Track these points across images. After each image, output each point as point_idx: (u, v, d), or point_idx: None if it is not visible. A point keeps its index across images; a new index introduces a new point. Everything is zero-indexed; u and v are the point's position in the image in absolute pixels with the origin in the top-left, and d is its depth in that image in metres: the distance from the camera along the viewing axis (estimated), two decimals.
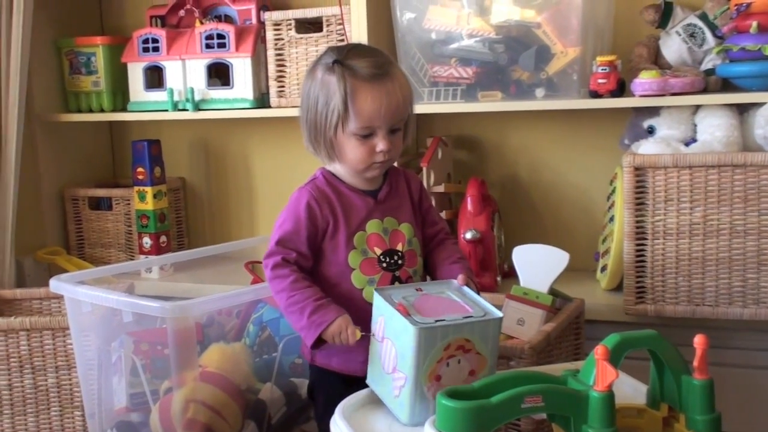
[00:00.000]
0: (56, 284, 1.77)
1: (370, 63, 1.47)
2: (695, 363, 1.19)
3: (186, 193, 2.77)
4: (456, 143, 2.41)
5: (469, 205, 2.18)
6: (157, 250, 2.53)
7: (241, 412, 1.67)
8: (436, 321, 1.28)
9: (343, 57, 1.48)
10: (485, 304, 1.36)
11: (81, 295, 1.71)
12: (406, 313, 1.29)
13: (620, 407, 1.20)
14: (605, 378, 1.15)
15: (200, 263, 2.34)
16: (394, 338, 1.30)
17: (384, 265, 1.49)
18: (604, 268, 2.14)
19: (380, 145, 1.46)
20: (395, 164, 1.60)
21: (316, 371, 1.55)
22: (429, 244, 1.59)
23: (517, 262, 1.89)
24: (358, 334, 1.38)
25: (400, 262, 1.51)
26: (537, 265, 1.87)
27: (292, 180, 2.60)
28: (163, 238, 2.55)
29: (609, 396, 1.16)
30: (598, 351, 1.15)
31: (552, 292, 1.85)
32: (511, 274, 2.26)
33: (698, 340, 1.19)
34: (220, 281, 2.34)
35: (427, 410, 1.28)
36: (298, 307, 1.42)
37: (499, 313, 1.33)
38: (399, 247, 1.51)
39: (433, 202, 1.91)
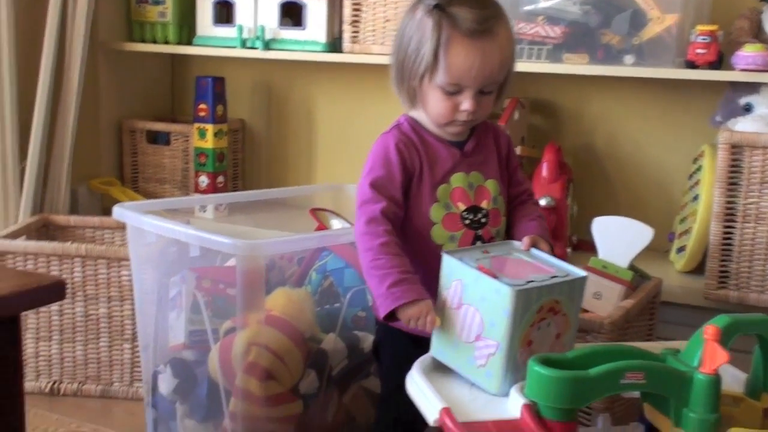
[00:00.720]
0: (120, 212, 1.70)
1: (474, 16, 1.36)
2: None
3: (245, 134, 2.71)
4: (533, 106, 2.31)
5: (545, 170, 2.09)
6: (213, 189, 2.46)
7: (303, 360, 1.60)
8: (528, 282, 1.19)
9: (447, 2, 1.39)
10: (562, 264, 1.27)
11: (146, 225, 1.65)
12: (493, 275, 1.20)
13: None
14: (714, 360, 1.06)
15: (255, 207, 2.27)
16: (479, 303, 1.20)
17: (467, 222, 1.40)
18: (681, 249, 2.05)
19: (465, 104, 1.35)
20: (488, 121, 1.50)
21: (383, 329, 1.47)
22: (511, 203, 1.50)
23: (597, 233, 1.80)
24: (438, 322, 1.26)
25: (483, 220, 1.41)
26: (618, 238, 1.79)
27: (355, 130, 2.57)
28: (220, 178, 2.48)
29: (716, 380, 1.08)
30: (709, 331, 1.06)
31: (632, 267, 1.77)
32: (580, 247, 2.19)
33: None
34: (276, 226, 2.27)
35: (518, 378, 1.19)
36: (381, 273, 1.31)
37: (582, 272, 1.25)
38: (484, 204, 1.41)
39: None
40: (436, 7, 1.36)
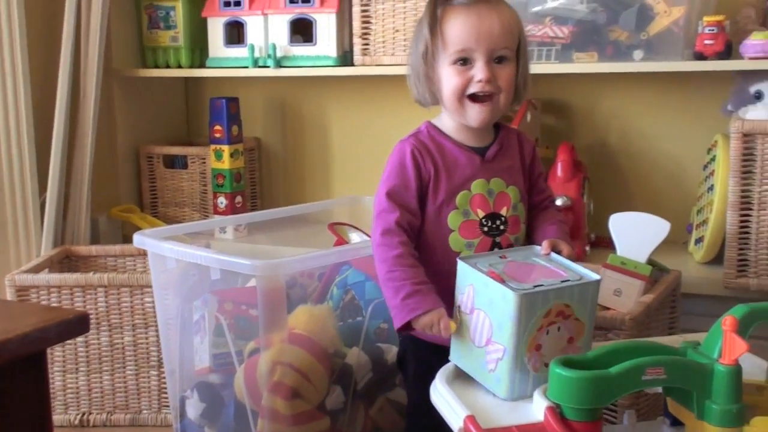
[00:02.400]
0: (141, 239, 1.73)
1: None
2: None
3: (261, 153, 2.73)
4: (544, 107, 2.31)
5: (560, 170, 2.09)
6: (232, 210, 2.49)
7: (328, 376, 1.62)
8: (535, 286, 1.20)
9: None
10: (578, 268, 1.27)
11: (166, 251, 1.67)
12: (500, 280, 1.21)
13: None
14: (733, 350, 1.06)
15: (274, 224, 2.29)
16: (488, 308, 1.21)
17: (485, 229, 1.40)
18: (699, 240, 2.05)
19: (478, 74, 1.34)
20: (510, 125, 1.50)
21: (406, 339, 1.47)
22: (533, 210, 1.50)
23: (614, 230, 1.80)
24: (453, 326, 1.27)
25: (502, 227, 1.40)
26: (635, 233, 1.78)
27: (370, 142, 2.59)
28: (238, 198, 2.51)
29: (736, 370, 1.08)
30: (726, 322, 1.06)
31: (650, 262, 1.77)
32: (598, 244, 2.19)
33: None
34: (296, 243, 2.29)
35: (527, 383, 1.20)
36: (395, 285, 1.32)
37: (596, 276, 1.24)
38: (503, 212, 1.41)
39: None
40: None
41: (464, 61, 1.35)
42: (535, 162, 1.49)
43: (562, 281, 1.22)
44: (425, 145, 1.41)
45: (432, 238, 1.40)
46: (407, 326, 1.31)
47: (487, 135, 1.44)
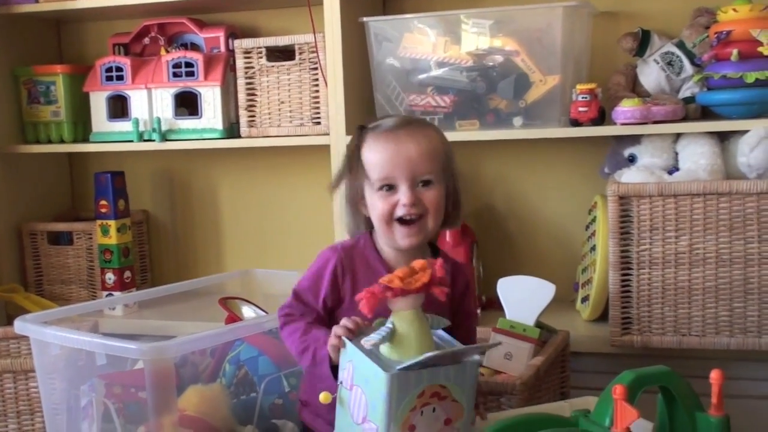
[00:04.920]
0: (22, 325, 1.67)
1: (393, 120, 1.42)
2: (713, 399, 1.15)
3: (149, 226, 2.69)
4: None
5: (448, 236, 2.13)
6: (121, 286, 2.43)
7: None
8: (409, 365, 1.18)
9: (371, 122, 1.44)
10: (461, 348, 1.27)
11: (49, 337, 1.62)
12: (376, 359, 1.20)
13: None
14: (625, 418, 1.09)
15: (166, 300, 2.24)
16: (365, 385, 1.21)
17: None
18: (585, 299, 2.11)
19: (402, 198, 1.35)
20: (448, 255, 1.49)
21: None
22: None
23: (502, 294, 1.84)
24: (326, 397, 1.27)
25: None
26: (522, 296, 1.83)
27: (261, 214, 2.58)
28: (127, 274, 2.45)
29: None
30: (617, 391, 1.09)
31: (538, 324, 1.81)
32: (489, 306, 2.22)
33: (714, 376, 1.15)
34: (189, 318, 2.25)
35: None
36: (302, 347, 1.36)
37: (476, 358, 1.24)
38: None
39: None
40: (360, 127, 1.43)
41: (389, 187, 1.38)
42: (467, 297, 1.48)
43: (435, 353, 1.19)
44: (352, 263, 1.42)
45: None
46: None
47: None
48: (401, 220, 1.38)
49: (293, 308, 1.42)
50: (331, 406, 1.30)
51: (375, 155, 1.38)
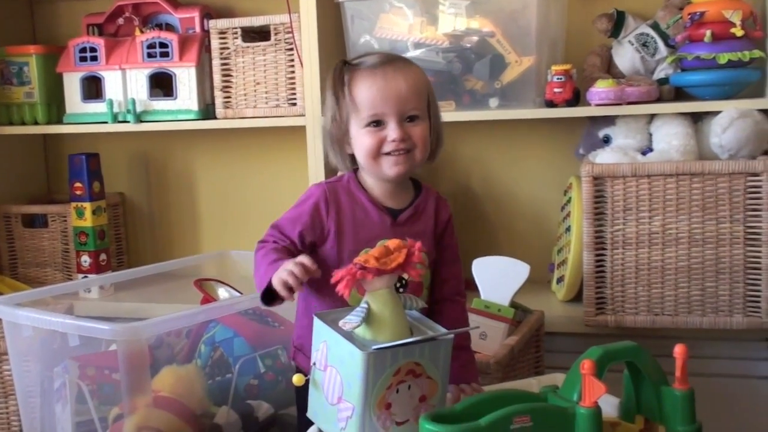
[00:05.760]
0: None
1: (376, 56, 1.41)
2: (677, 373, 1.16)
3: (125, 209, 2.67)
4: None
5: None
6: (97, 268, 2.41)
7: None
8: (385, 344, 1.18)
9: (352, 59, 1.43)
10: (434, 326, 1.28)
11: (22, 318, 1.61)
12: (350, 337, 1.20)
13: None
14: (593, 393, 1.10)
15: (141, 282, 2.23)
16: (339, 365, 1.20)
17: None
18: (560, 279, 2.12)
19: (391, 133, 1.36)
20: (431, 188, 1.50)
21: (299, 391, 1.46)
22: (441, 303, 1.48)
23: (477, 275, 1.85)
24: (299, 379, 1.26)
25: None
26: (497, 277, 1.84)
27: (237, 195, 2.57)
28: (102, 256, 2.44)
29: (597, 412, 1.12)
30: (585, 366, 1.10)
31: (513, 304, 1.82)
32: (467, 287, 2.22)
33: (678, 350, 1.16)
34: (165, 300, 2.25)
35: None
36: (261, 265, 1.35)
37: (448, 335, 1.24)
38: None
39: None
40: (342, 62, 1.41)
41: (377, 123, 1.37)
42: (447, 232, 1.49)
43: (413, 339, 1.20)
44: (337, 197, 1.41)
45: (331, 286, 1.38)
46: (270, 296, 1.32)
47: (405, 195, 1.44)
48: (389, 154, 1.38)
49: (268, 236, 1.41)
50: None
51: (363, 92, 1.37)
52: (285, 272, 1.28)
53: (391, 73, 1.37)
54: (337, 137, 1.41)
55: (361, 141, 1.38)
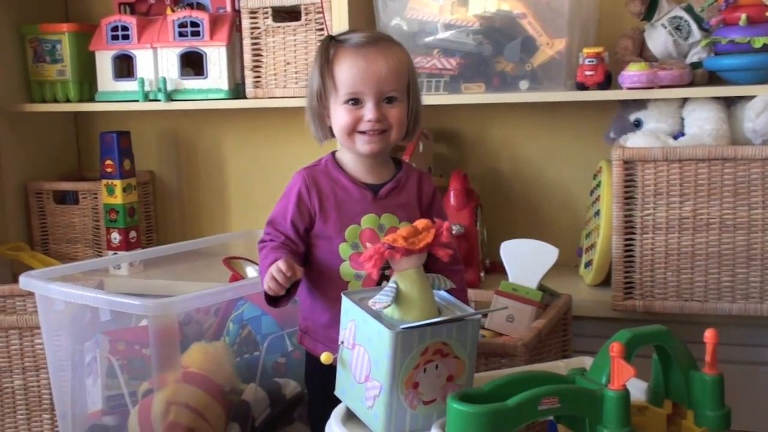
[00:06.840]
0: (26, 281, 1.68)
1: (362, 35, 1.44)
2: (707, 358, 1.16)
3: (155, 187, 2.69)
4: (436, 136, 2.36)
5: (453, 199, 2.13)
6: (126, 245, 2.44)
7: (225, 414, 1.60)
8: (411, 324, 1.19)
9: (340, 34, 1.46)
10: (462, 306, 1.29)
11: (54, 293, 1.63)
12: (379, 317, 1.21)
13: None
14: (622, 376, 1.10)
15: (170, 259, 2.25)
16: (367, 344, 1.21)
17: None
18: (588, 264, 2.11)
19: (368, 114, 1.40)
20: (412, 165, 1.54)
21: (308, 357, 1.51)
22: (433, 261, 1.45)
23: (505, 257, 1.85)
24: (328, 357, 1.28)
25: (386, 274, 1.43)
26: (525, 260, 1.83)
27: (266, 175, 2.58)
28: (132, 233, 2.46)
29: (625, 395, 1.11)
30: (614, 348, 1.10)
31: (541, 287, 1.82)
32: (492, 270, 2.23)
33: (708, 335, 1.15)
34: (193, 278, 2.26)
35: (404, 421, 1.20)
36: (263, 263, 1.40)
37: (476, 315, 1.25)
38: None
39: None
40: (328, 36, 1.45)
41: (355, 101, 1.41)
42: (434, 205, 1.51)
43: (441, 319, 1.21)
44: (316, 180, 1.45)
45: (324, 265, 1.45)
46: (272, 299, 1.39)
47: (385, 171, 1.48)
48: (364, 133, 1.42)
49: (266, 234, 1.46)
50: (329, 331, 1.37)
51: (344, 70, 1.40)
52: (268, 279, 1.35)
53: (373, 54, 1.41)
54: (318, 110, 1.45)
55: (339, 117, 1.42)
